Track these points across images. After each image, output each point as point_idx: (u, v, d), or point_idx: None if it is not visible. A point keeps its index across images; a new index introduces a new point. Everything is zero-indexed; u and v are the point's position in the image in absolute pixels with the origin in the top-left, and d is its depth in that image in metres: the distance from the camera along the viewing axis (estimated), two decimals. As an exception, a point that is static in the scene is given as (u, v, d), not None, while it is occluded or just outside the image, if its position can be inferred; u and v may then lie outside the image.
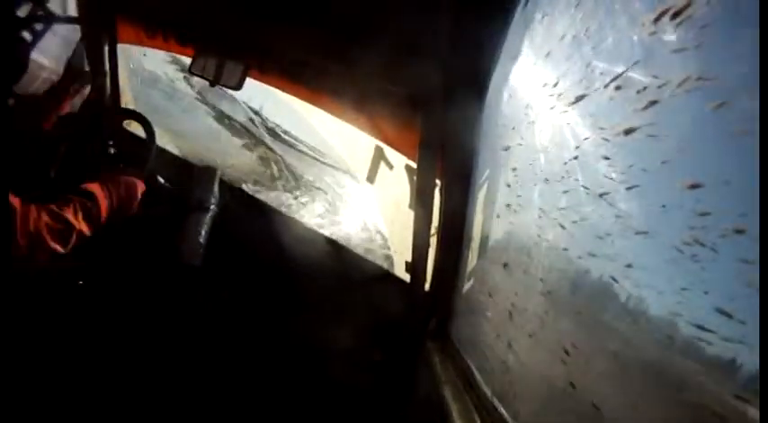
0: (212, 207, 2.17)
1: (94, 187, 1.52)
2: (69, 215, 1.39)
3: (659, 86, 0.68)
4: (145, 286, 2.09)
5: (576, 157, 0.96)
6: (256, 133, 4.31)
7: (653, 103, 0.69)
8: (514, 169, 1.32)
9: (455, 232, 1.66)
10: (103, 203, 1.52)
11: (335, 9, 1.44)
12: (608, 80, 0.81)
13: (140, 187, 1.72)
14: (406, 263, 2.04)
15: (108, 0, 2.03)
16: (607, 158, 0.85)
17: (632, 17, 0.75)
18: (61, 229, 1.35)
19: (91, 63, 2.12)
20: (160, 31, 2.05)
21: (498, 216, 1.46)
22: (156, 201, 2.05)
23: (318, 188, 3.87)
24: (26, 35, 1.75)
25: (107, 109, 2.17)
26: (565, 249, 1.02)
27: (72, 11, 2.01)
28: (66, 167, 1.86)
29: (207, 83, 1.96)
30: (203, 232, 2.13)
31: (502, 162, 1.42)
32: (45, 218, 1.31)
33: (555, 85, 1.05)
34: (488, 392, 1.24)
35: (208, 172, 2.25)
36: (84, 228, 1.43)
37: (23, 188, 1.31)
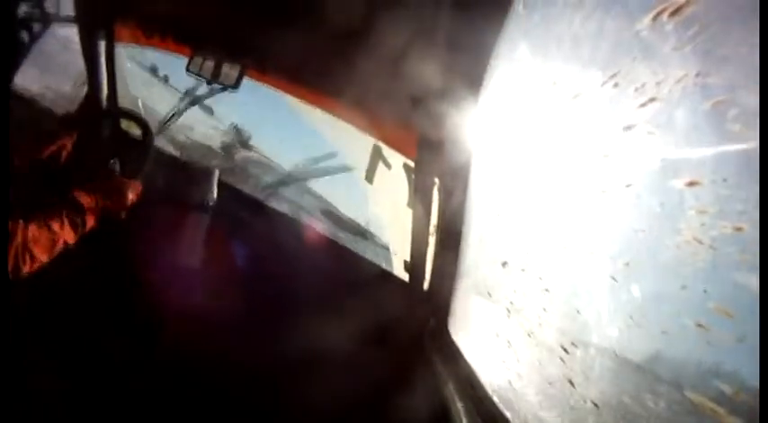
0: (211, 207, 2.17)
1: (83, 197, 1.53)
2: (56, 227, 1.40)
3: (657, 83, 0.68)
4: (142, 288, 2.08)
5: (575, 155, 0.96)
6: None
7: (651, 100, 0.69)
8: (513, 168, 1.32)
9: (454, 231, 1.65)
10: (90, 213, 1.53)
11: (334, 9, 1.43)
12: (606, 77, 0.81)
13: (131, 192, 1.72)
14: (405, 262, 2.03)
15: (105, 0, 2.02)
16: (606, 156, 0.85)
17: (630, 15, 0.75)
18: (47, 241, 1.37)
19: (88, 63, 2.11)
20: (158, 30, 2.05)
21: (497, 215, 1.46)
22: (154, 202, 2.05)
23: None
24: (24, 36, 1.75)
25: (105, 110, 2.17)
26: (563, 247, 1.02)
27: (69, 11, 2.01)
28: (65, 168, 1.85)
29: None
30: (202, 233, 2.12)
31: (501, 161, 1.42)
32: (32, 230, 1.32)
33: (554, 82, 1.05)
34: (489, 391, 1.24)
35: (206, 173, 2.24)
36: (70, 238, 1.45)
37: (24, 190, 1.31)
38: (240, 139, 3.61)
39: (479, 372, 1.35)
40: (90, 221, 1.53)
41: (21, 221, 1.30)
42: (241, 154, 3.48)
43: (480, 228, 1.57)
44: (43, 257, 1.36)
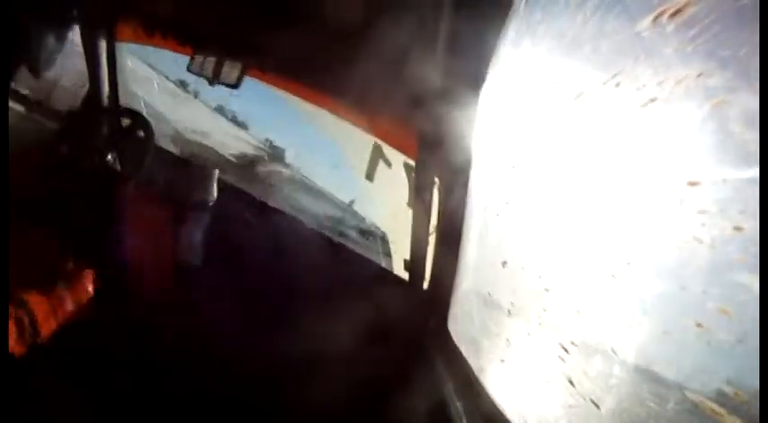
0: (211, 206, 2.17)
1: (36, 303, 1.30)
2: None
3: (659, 84, 0.68)
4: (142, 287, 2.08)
5: (575, 154, 0.96)
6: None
7: (652, 100, 0.69)
8: (514, 167, 1.32)
9: (454, 230, 1.65)
10: (45, 323, 1.32)
11: (335, 8, 1.43)
12: (607, 77, 0.81)
13: (89, 286, 1.50)
14: (405, 261, 2.03)
15: None
16: (607, 156, 0.85)
17: (632, 16, 0.75)
18: None
19: (89, 62, 2.11)
20: (159, 29, 2.05)
21: (498, 214, 1.46)
22: (154, 201, 2.05)
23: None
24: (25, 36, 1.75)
25: (106, 108, 2.17)
26: (564, 246, 1.02)
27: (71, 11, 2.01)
28: (67, 166, 1.86)
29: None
30: (202, 231, 2.12)
31: (501, 160, 1.42)
32: None
33: (554, 82, 1.05)
34: (488, 390, 1.24)
35: (206, 172, 2.24)
36: (17, 348, 1.24)
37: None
38: (273, 155, 3.56)
39: (479, 371, 1.35)
40: (45, 331, 1.31)
41: None
42: (268, 168, 3.44)
43: (480, 227, 1.57)
44: None
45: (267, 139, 3.79)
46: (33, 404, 1.67)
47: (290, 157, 3.63)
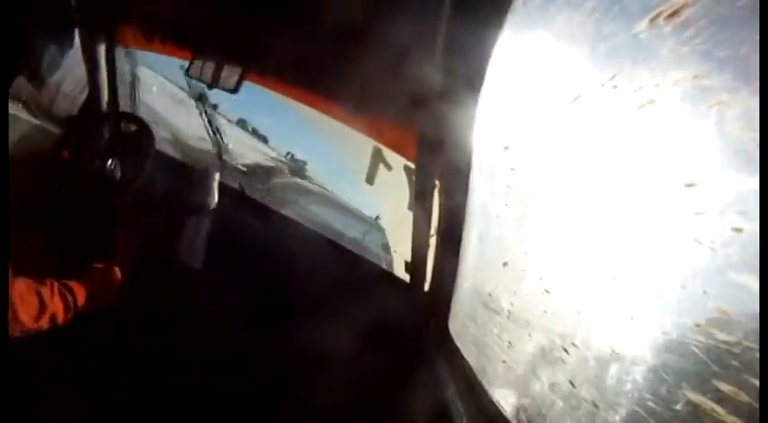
0: (212, 209, 2.17)
1: (74, 283, 1.47)
2: (46, 295, 1.31)
3: (656, 85, 0.68)
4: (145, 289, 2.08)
5: (574, 157, 0.96)
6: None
7: (650, 101, 0.70)
8: (513, 169, 1.33)
9: (454, 232, 1.65)
10: (82, 297, 1.47)
11: (334, 10, 1.44)
12: (605, 79, 0.81)
13: (118, 275, 1.70)
14: (406, 263, 2.03)
15: (106, 3, 2.02)
16: (605, 158, 0.85)
17: (629, 16, 0.76)
18: (34, 306, 1.28)
19: (89, 66, 2.12)
20: (158, 33, 2.05)
21: (497, 216, 1.46)
22: (155, 204, 2.06)
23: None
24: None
25: (106, 113, 2.18)
26: (564, 248, 1.03)
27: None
28: (67, 171, 1.87)
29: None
30: (203, 234, 2.12)
31: (501, 162, 1.42)
32: (19, 287, 1.24)
33: (552, 84, 1.06)
34: (490, 392, 1.24)
35: (207, 174, 2.24)
36: (60, 312, 1.36)
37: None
38: (294, 168, 3.52)
39: (481, 373, 1.35)
40: (81, 303, 1.46)
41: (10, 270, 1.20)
42: (285, 179, 3.40)
43: (480, 228, 1.58)
44: (28, 322, 1.26)
45: (288, 153, 3.77)
46: (33, 404, 1.67)
47: (310, 170, 3.60)
